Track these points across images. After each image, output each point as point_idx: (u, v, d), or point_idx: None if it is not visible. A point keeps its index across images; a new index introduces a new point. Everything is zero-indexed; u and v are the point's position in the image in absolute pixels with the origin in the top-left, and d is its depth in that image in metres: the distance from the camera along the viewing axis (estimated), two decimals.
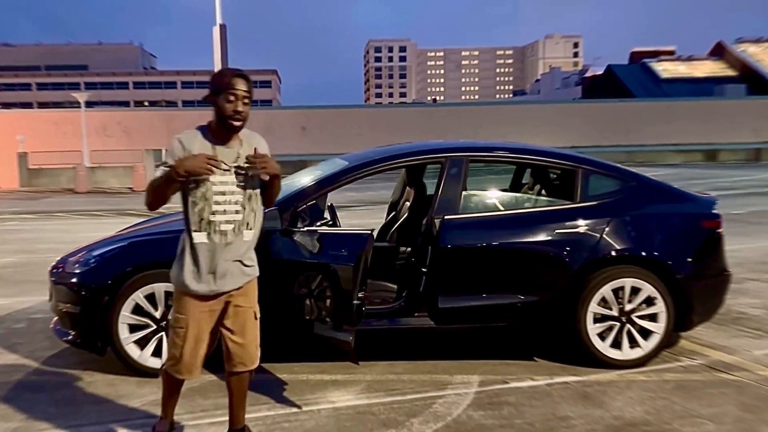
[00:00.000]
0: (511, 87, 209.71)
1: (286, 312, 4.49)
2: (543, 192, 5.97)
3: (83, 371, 5.23)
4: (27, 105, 77.38)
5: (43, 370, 5.36)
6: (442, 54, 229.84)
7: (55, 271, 5.44)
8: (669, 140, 44.70)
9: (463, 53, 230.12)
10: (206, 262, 3.44)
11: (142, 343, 5.04)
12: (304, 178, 5.52)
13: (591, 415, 4.27)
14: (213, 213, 3.39)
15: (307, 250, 4.35)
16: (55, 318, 5.46)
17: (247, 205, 3.46)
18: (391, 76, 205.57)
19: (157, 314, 5.02)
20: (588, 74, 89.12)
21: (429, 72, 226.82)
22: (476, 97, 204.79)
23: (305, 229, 4.56)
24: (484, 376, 5.02)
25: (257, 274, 3.65)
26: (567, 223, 5.20)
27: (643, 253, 5.20)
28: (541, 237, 5.18)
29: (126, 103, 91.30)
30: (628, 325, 5.17)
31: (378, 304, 5.37)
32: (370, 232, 4.27)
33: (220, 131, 3.42)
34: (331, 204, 6.27)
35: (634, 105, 51.46)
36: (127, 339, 5.00)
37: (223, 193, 3.39)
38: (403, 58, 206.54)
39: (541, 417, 4.24)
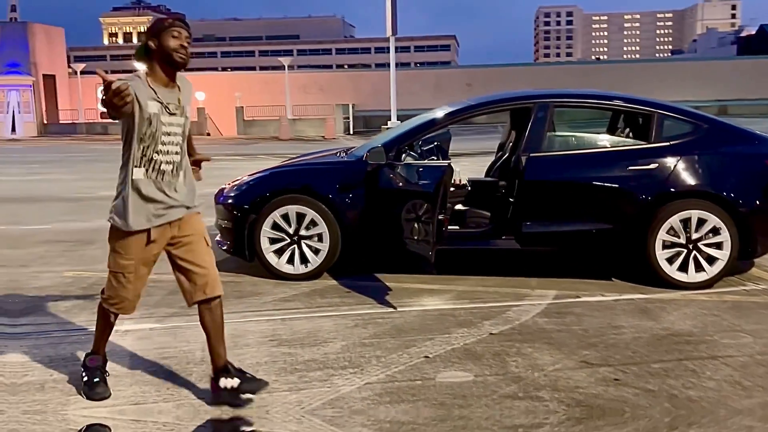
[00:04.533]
0: (670, 47, 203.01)
1: (390, 232, 5.21)
2: (630, 134, 6.25)
3: (237, 274, 6.23)
4: (251, 68, 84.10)
5: None
6: (606, 18, 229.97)
7: (218, 196, 6.43)
8: None
9: (626, 16, 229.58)
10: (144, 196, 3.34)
11: (279, 253, 5.95)
12: (412, 122, 6.17)
13: (642, 325, 4.71)
14: (157, 152, 3.30)
15: (402, 180, 5.02)
16: (218, 233, 6.50)
17: (184, 146, 3.44)
18: (558, 38, 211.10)
19: (291, 230, 5.89)
20: (743, 34, 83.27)
21: (594, 34, 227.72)
22: (637, 56, 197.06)
23: (401, 163, 5.23)
24: (561, 291, 5.52)
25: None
26: (639, 161, 5.53)
27: (709, 188, 5.45)
28: (615, 173, 5.55)
29: (329, 66, 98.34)
30: (695, 252, 5.47)
31: (473, 228, 5.99)
32: (447, 164, 4.84)
33: (163, 72, 3.29)
34: (438, 144, 6.86)
35: None
36: (267, 249, 5.93)
37: (168, 134, 3.32)
38: (570, 22, 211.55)
39: (596, 325, 4.72)
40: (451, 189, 6.29)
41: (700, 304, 5.15)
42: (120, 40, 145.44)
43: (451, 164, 5.14)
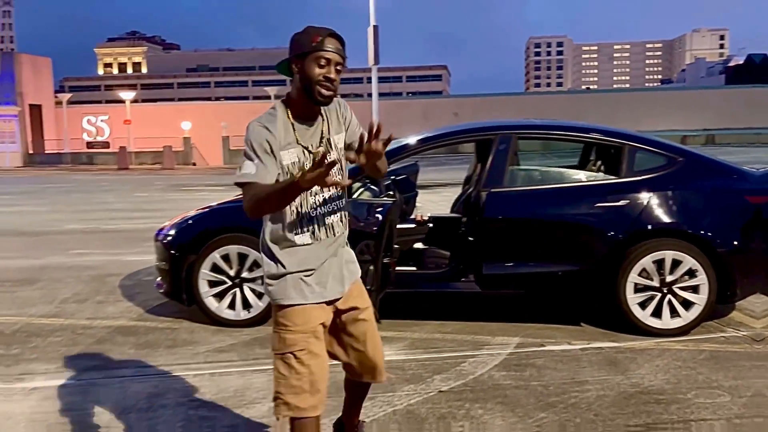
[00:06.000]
0: (659, 77, 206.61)
1: None
2: (601, 168, 5.77)
3: (175, 320, 5.67)
4: (244, 98, 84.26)
5: (144, 317, 5.85)
6: (596, 48, 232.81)
7: (157, 233, 5.90)
8: None
9: (615, 47, 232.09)
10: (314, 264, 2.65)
11: (219, 297, 5.39)
12: None
13: (609, 381, 4.16)
14: (313, 206, 2.61)
15: (352, 220, 4.48)
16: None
17: (343, 188, 2.70)
18: (549, 68, 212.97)
19: (232, 272, 5.35)
20: (731, 64, 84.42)
21: (584, 64, 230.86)
22: (627, 86, 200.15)
23: (348, 200, 4.70)
24: (524, 339, 4.98)
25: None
26: (608, 197, 5.03)
27: (685, 227, 4.94)
28: (582, 210, 5.05)
29: None
30: (669, 296, 4.95)
31: (432, 269, 5.46)
32: (393, 201, 4.33)
33: (302, 105, 2.57)
34: (405, 177, 6.36)
35: (764, 90, 47.86)
36: (206, 293, 5.38)
37: None
38: (560, 52, 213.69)
39: (559, 380, 4.18)
40: (411, 226, 5.78)
41: (675, 355, 4.62)
42: (115, 71, 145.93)
43: (399, 200, 4.62)
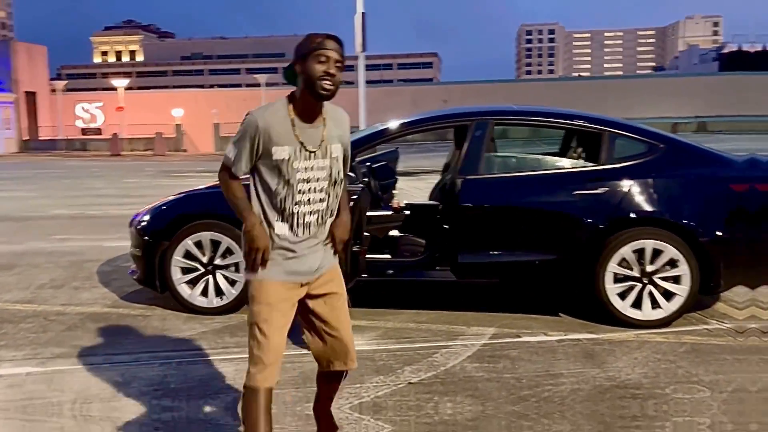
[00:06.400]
0: (652, 65, 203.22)
1: None
2: (582, 155, 5.61)
3: (148, 307, 5.52)
4: (237, 86, 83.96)
5: (118, 303, 5.70)
6: (588, 35, 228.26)
7: (132, 219, 5.73)
8: None
9: (607, 34, 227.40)
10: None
11: (192, 284, 5.25)
12: None
13: (585, 374, 4.03)
14: (297, 203, 2.69)
15: None
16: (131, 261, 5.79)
17: (332, 191, 2.77)
18: (540, 56, 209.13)
19: (204, 259, 5.20)
20: (725, 51, 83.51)
21: (575, 51, 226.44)
22: (620, 73, 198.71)
23: None
24: (500, 329, 4.85)
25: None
26: (588, 184, 4.88)
27: (666, 215, 4.80)
28: (560, 197, 4.90)
29: None
30: (650, 286, 4.81)
31: (407, 257, 5.32)
32: (361, 188, 4.17)
33: (306, 103, 2.68)
34: (384, 163, 6.21)
35: (757, 78, 47.35)
36: (179, 280, 5.23)
37: (307, 180, 2.69)
38: (551, 40, 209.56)
39: (532, 373, 4.04)
40: (387, 213, 5.63)
41: (654, 347, 4.49)
42: (112, 59, 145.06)
43: (371, 187, 4.47)
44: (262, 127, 2.63)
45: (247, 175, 2.75)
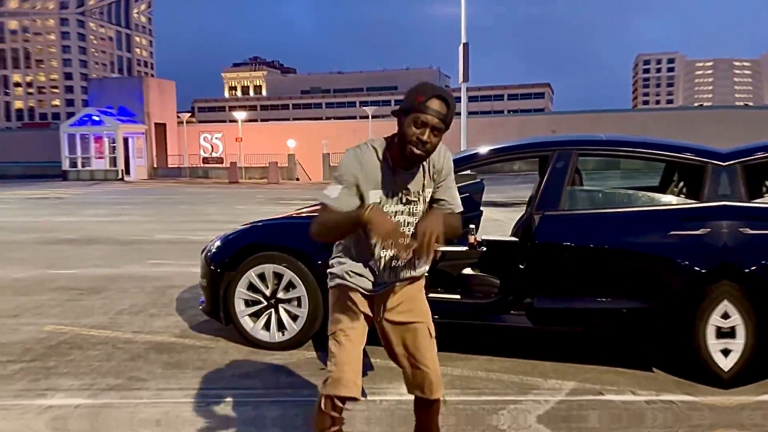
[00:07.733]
0: None
1: None
2: (684, 191, 4.91)
3: (213, 338, 5.29)
4: (351, 118, 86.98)
5: (186, 333, 5.51)
6: (711, 63, 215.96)
7: (204, 248, 5.56)
8: None
9: (735, 62, 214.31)
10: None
11: (255, 317, 4.97)
12: None
13: None
14: (383, 247, 2.58)
15: None
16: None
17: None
18: (658, 85, 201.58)
19: (267, 292, 4.91)
20: None
21: (697, 81, 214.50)
22: (750, 103, 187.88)
23: None
24: (581, 384, 4.23)
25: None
26: (686, 224, 4.20)
27: None
28: (652, 239, 4.23)
29: None
30: None
31: (479, 298, 4.80)
32: None
33: (397, 153, 2.53)
34: (467, 195, 5.75)
35: None
36: (242, 312, 4.96)
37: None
38: (670, 69, 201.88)
39: None
40: (462, 249, 5.14)
41: (765, 415, 3.73)
42: (239, 93, 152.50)
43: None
44: (362, 166, 2.53)
45: None
